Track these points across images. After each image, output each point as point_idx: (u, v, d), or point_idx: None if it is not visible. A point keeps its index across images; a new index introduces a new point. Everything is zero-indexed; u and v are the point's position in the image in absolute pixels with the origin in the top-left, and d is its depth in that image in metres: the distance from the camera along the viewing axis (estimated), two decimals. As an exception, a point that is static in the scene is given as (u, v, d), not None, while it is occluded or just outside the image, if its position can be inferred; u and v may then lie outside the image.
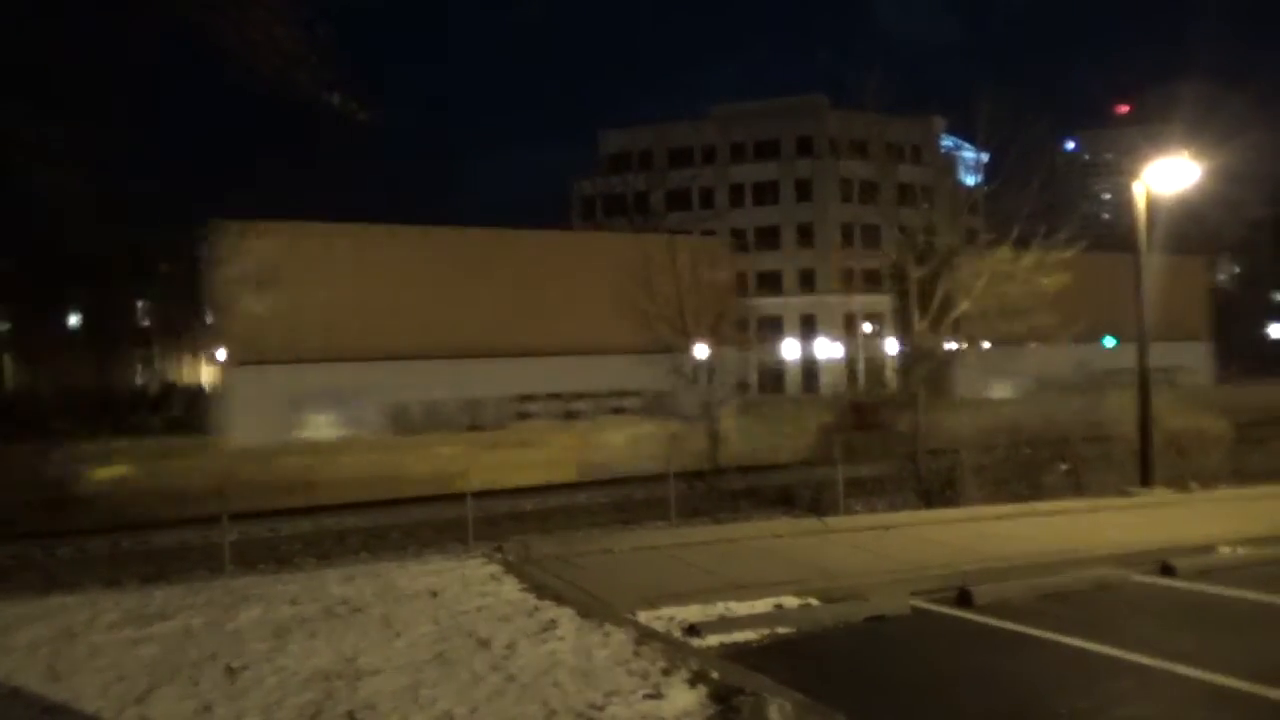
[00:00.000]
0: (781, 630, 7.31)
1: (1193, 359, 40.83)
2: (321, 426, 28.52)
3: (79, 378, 37.49)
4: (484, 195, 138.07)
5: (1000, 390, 40.53)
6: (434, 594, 8.17)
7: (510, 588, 8.36)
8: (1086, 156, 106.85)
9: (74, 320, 46.52)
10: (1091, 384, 32.25)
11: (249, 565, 14.37)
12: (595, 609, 7.51)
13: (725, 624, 7.33)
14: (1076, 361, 35.46)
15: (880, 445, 25.97)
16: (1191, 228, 41.81)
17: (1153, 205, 15.49)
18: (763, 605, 7.86)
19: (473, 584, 8.54)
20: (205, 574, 12.34)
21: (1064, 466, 18.06)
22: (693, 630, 7.11)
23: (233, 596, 8.32)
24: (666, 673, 5.87)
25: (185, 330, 49.55)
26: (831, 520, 12.48)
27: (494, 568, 9.23)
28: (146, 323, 51.46)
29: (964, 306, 18.86)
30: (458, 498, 16.66)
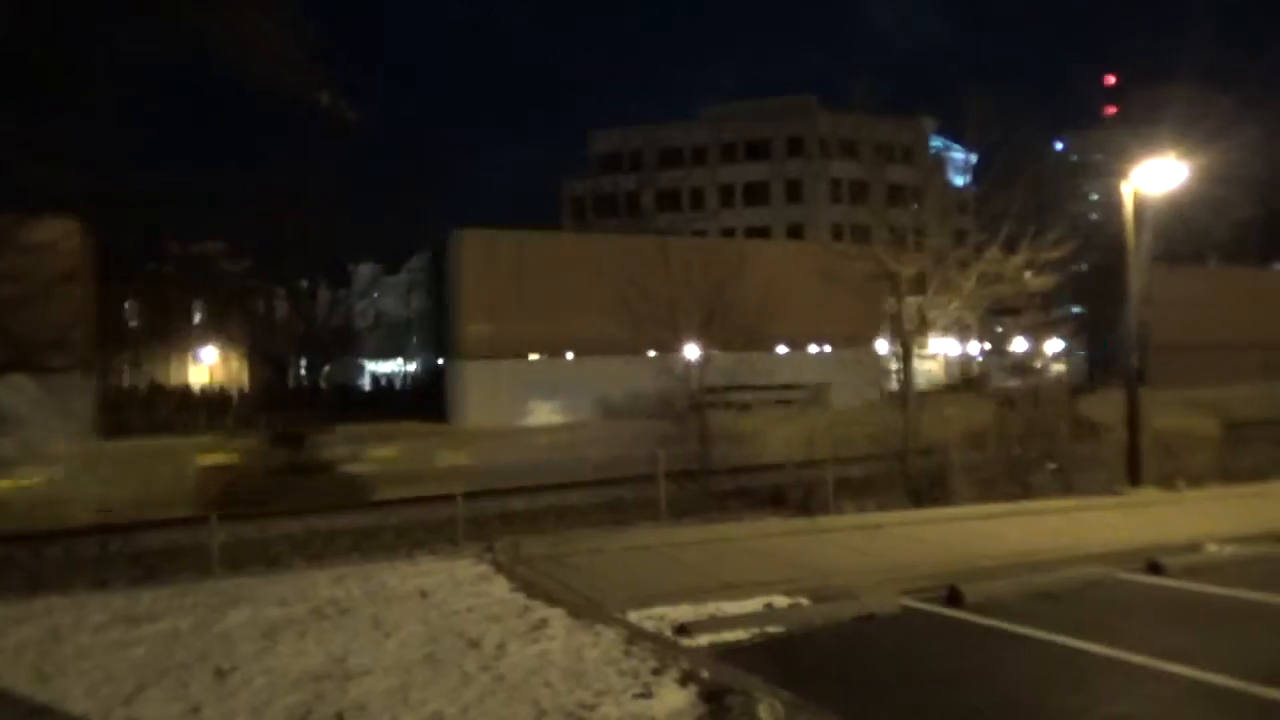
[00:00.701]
0: (772, 630, 7.32)
1: (859, 373, 29.27)
2: None
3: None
4: (477, 194, 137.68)
5: (543, 414, 32.46)
6: (424, 594, 8.16)
7: (501, 588, 8.35)
8: (1074, 157, 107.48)
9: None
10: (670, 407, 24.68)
11: (238, 566, 14.31)
12: (586, 609, 7.51)
13: (716, 623, 7.34)
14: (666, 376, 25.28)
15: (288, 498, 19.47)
16: (1179, 229, 42.08)
17: (1141, 206, 15.56)
18: (753, 605, 7.88)
19: (463, 584, 8.54)
20: (194, 575, 12.28)
21: (1052, 466, 18.11)
22: (683, 630, 7.11)
23: (221, 598, 8.29)
24: (657, 672, 5.87)
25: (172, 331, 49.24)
26: (822, 520, 12.52)
27: (484, 568, 9.22)
28: (134, 323, 51.14)
29: (954, 305, 18.89)
30: (448, 498, 16.63)
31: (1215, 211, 56.25)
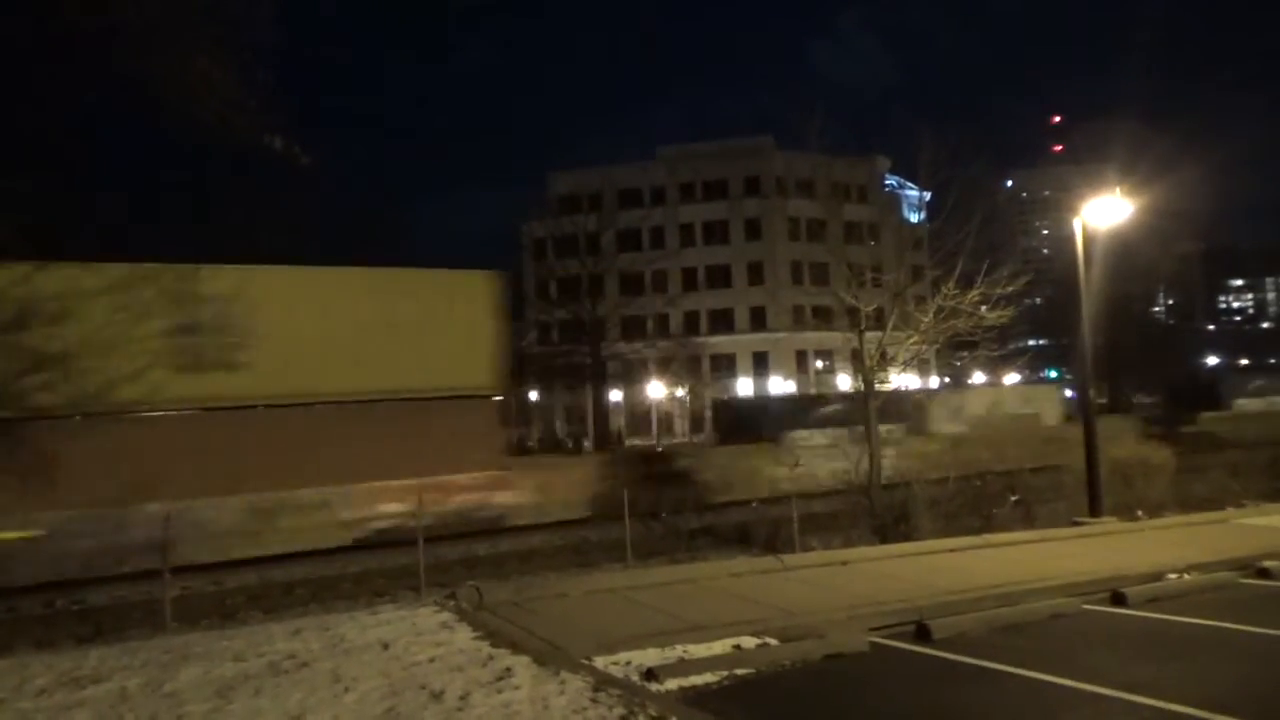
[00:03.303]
0: (740, 672, 7.23)
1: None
2: None
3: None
4: (435, 238, 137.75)
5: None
6: (385, 645, 7.95)
7: (463, 636, 8.17)
8: (1024, 194, 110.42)
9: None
10: None
11: (192, 621, 13.87)
12: (551, 656, 7.36)
13: (684, 667, 7.23)
14: None
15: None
16: (1123, 262, 43.17)
17: (1089, 240, 15.91)
18: (721, 646, 7.78)
19: (425, 634, 8.33)
20: (146, 632, 11.86)
21: (1014, 498, 18.24)
22: (651, 675, 6.99)
23: (173, 655, 8.01)
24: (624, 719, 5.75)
25: None
26: (788, 558, 12.44)
27: (447, 616, 9.02)
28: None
29: (913, 340, 19.09)
30: (409, 543, 16.31)
31: (1160, 245, 57.88)
